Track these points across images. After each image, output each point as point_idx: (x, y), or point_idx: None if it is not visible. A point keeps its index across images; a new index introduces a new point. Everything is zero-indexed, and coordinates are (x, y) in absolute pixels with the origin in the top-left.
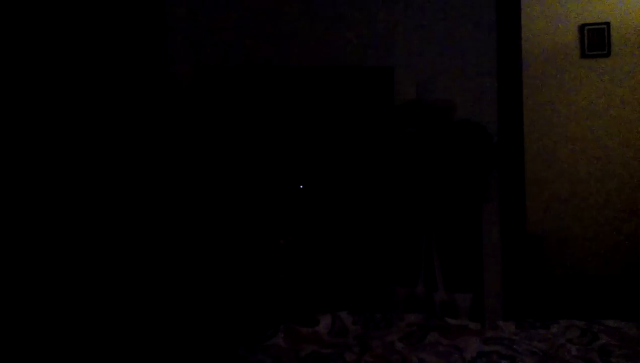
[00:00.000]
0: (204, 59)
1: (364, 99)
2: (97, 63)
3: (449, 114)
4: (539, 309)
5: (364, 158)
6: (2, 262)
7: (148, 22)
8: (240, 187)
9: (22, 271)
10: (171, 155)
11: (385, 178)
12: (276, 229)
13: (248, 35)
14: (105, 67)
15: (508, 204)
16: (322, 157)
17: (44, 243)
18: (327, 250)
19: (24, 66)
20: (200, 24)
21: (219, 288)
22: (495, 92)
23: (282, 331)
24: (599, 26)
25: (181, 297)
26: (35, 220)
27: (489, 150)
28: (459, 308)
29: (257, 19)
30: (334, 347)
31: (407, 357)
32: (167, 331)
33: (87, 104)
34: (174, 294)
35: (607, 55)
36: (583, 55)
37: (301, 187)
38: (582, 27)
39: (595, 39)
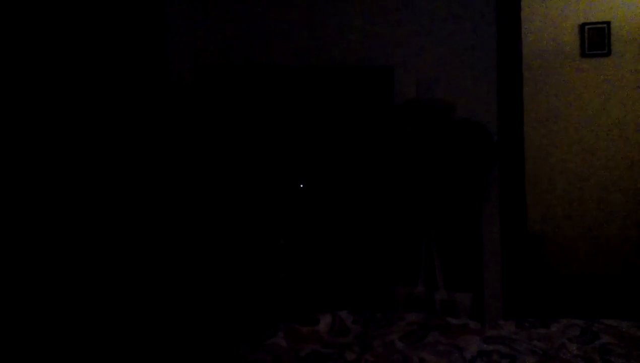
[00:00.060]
0: (204, 58)
1: (364, 99)
2: (98, 63)
3: (449, 114)
4: (539, 308)
5: (364, 157)
6: (2, 262)
7: (148, 22)
8: (241, 187)
9: (22, 271)
10: (171, 155)
11: (385, 177)
12: (276, 229)
13: (248, 35)
14: (105, 67)
15: (508, 204)
16: (322, 157)
17: (44, 243)
18: (327, 250)
19: (23, 63)
20: (200, 24)
21: (219, 287)
22: (495, 92)
23: (282, 330)
24: (599, 25)
25: (181, 297)
26: (35, 220)
27: (489, 149)
28: (459, 307)
29: (257, 19)
30: (334, 347)
31: (408, 356)
32: (168, 331)
33: (87, 104)
34: (174, 294)
35: (607, 54)
36: (583, 54)
37: (301, 186)
38: (582, 27)
39: (596, 39)
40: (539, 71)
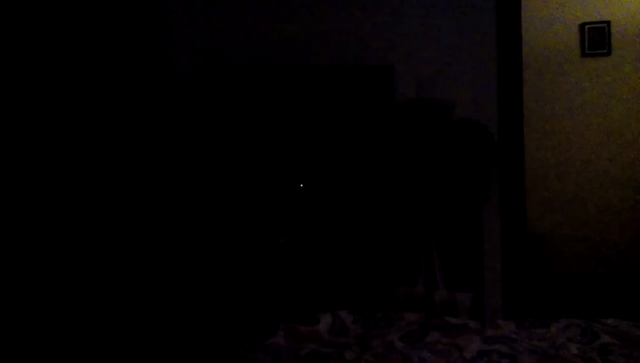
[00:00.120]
0: (203, 58)
1: (364, 98)
2: (97, 63)
3: (449, 113)
4: (539, 308)
5: (364, 157)
6: (2, 262)
7: (148, 22)
8: (241, 186)
9: (22, 271)
10: (171, 154)
11: (385, 177)
12: (277, 228)
13: (247, 35)
14: (104, 67)
15: (508, 203)
16: (323, 156)
17: (43, 243)
18: (327, 249)
19: (25, 66)
20: (200, 23)
21: (219, 287)
22: (495, 92)
23: (282, 330)
24: (600, 25)
25: (181, 296)
26: (34, 220)
27: (489, 149)
28: (459, 307)
29: (256, 18)
30: (334, 346)
31: (408, 356)
32: (168, 330)
33: (87, 104)
34: (174, 293)
35: (608, 54)
36: (583, 54)
37: (301, 186)
38: (582, 26)
39: (596, 38)
40: (539, 71)
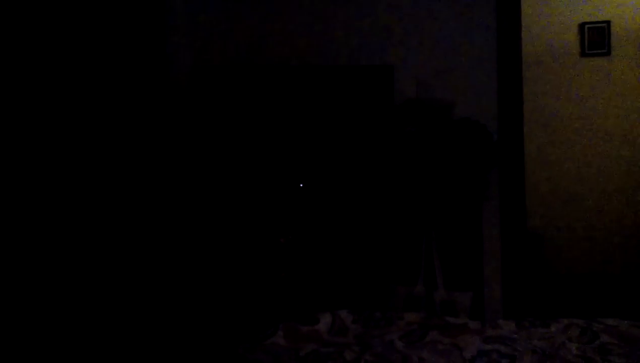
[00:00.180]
0: (203, 58)
1: (364, 98)
2: (97, 63)
3: (449, 113)
4: (539, 308)
5: (364, 157)
6: (2, 262)
7: (148, 22)
8: (241, 186)
9: (22, 271)
10: (171, 154)
11: (385, 177)
12: (276, 228)
13: (248, 35)
14: (105, 67)
15: (508, 203)
16: (322, 156)
17: (43, 242)
18: (327, 249)
19: (25, 66)
20: (200, 23)
21: (219, 287)
22: (495, 91)
23: (282, 330)
24: (599, 25)
25: (181, 296)
26: (33, 220)
27: (489, 148)
28: (459, 307)
29: (256, 18)
30: (334, 346)
31: (407, 356)
32: (168, 330)
33: (87, 104)
34: (174, 293)
35: (607, 54)
36: (583, 54)
37: (301, 185)
38: (582, 26)
39: (596, 38)
40: (539, 71)
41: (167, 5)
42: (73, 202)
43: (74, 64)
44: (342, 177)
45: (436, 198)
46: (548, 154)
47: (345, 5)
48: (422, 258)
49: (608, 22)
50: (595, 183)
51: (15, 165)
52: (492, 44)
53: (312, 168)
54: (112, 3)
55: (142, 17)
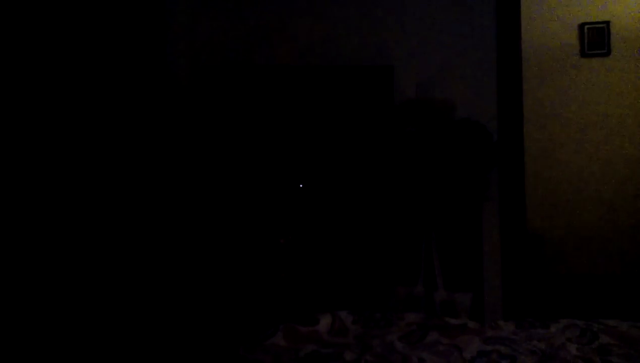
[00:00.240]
0: (203, 58)
1: (364, 98)
2: (97, 63)
3: (449, 113)
4: (539, 308)
5: (364, 157)
6: (1, 262)
7: (148, 22)
8: (240, 186)
9: (21, 271)
10: (171, 154)
11: (385, 177)
12: (276, 228)
13: (247, 35)
14: (105, 67)
15: (508, 203)
16: (322, 157)
17: (43, 243)
18: (327, 250)
19: (26, 66)
20: (200, 23)
21: (219, 287)
22: (495, 91)
23: (281, 330)
24: (599, 25)
25: (181, 297)
26: (33, 220)
27: (489, 149)
28: (459, 307)
29: (256, 18)
30: (334, 347)
31: (407, 357)
32: (168, 331)
33: (86, 104)
34: (174, 294)
35: (607, 54)
36: (583, 54)
37: (301, 186)
38: (582, 26)
39: (595, 38)
40: (539, 71)
41: (167, 5)
42: (73, 202)
43: (74, 65)
44: (342, 177)
45: (436, 198)
46: (548, 154)
47: (345, 6)
48: (422, 259)
49: (608, 23)
50: (596, 184)
51: (15, 166)
52: (492, 44)
53: (312, 168)
54: (112, 4)
55: (141, 17)
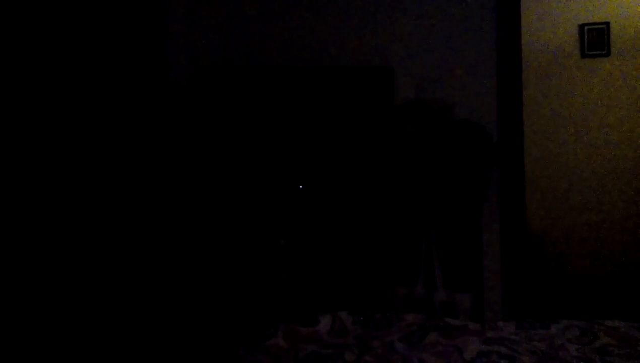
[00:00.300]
0: (202, 59)
1: (364, 99)
2: (97, 64)
3: (449, 114)
4: (539, 309)
5: (364, 158)
6: (2, 262)
7: (148, 24)
8: (240, 187)
9: (22, 271)
10: (170, 155)
11: (385, 178)
12: (276, 229)
13: (247, 36)
14: (105, 68)
15: (508, 204)
16: (322, 157)
17: (43, 243)
18: (327, 250)
19: (26, 66)
20: (200, 24)
21: (219, 288)
22: (495, 92)
23: (281, 331)
24: (599, 26)
25: (181, 297)
26: (34, 220)
27: (489, 149)
28: (459, 308)
29: (256, 19)
30: (334, 347)
31: (407, 357)
32: (168, 331)
33: (87, 105)
34: (174, 294)
35: (607, 55)
36: (583, 55)
37: (301, 187)
38: (581, 27)
39: (595, 39)
40: (539, 71)
41: (167, 7)
42: (75, 203)
43: (75, 67)
44: (342, 178)
45: (436, 199)
46: (548, 155)
47: (345, 6)
48: (422, 260)
49: (607, 23)
50: (596, 184)
51: (17, 167)
52: (492, 45)
53: (312, 169)
54: (112, 5)
55: (141, 19)
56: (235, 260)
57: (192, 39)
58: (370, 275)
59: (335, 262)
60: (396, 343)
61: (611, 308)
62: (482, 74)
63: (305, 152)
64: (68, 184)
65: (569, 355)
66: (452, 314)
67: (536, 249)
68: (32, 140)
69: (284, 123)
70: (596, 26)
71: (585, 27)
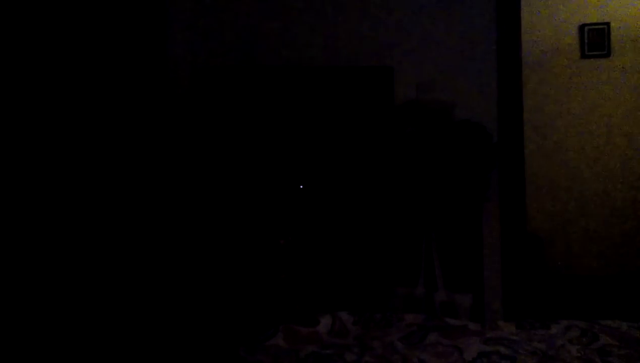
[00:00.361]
0: (203, 59)
1: (364, 99)
2: (98, 65)
3: (449, 114)
4: (539, 309)
5: (364, 158)
6: (2, 262)
7: (149, 24)
8: (241, 188)
9: (22, 271)
10: (170, 155)
11: (385, 178)
12: (276, 229)
13: (247, 36)
14: (105, 69)
15: (508, 204)
16: (322, 158)
17: (43, 243)
18: (327, 251)
19: (27, 68)
20: (201, 24)
21: (219, 288)
22: (495, 92)
23: (282, 331)
24: (599, 26)
25: (182, 297)
26: (34, 220)
27: (489, 150)
28: (459, 308)
29: (256, 19)
30: (334, 347)
31: (407, 358)
32: (168, 331)
33: (87, 105)
34: (174, 294)
35: (607, 55)
36: (583, 55)
37: (301, 187)
38: (582, 27)
39: (596, 39)
40: (539, 72)
41: (168, 6)
42: (75, 202)
43: (76, 67)
44: (342, 178)
45: (436, 199)
46: (548, 155)
47: (345, 6)
48: (422, 260)
49: (608, 24)
50: (596, 185)
51: (16, 166)
52: (492, 45)
53: (312, 169)
54: (113, 5)
55: (142, 18)
56: (235, 260)
57: (192, 39)
58: (370, 275)
59: (335, 262)
60: (396, 343)
61: (611, 308)
62: (482, 74)
63: (306, 152)
64: (68, 184)
65: (569, 355)
66: (452, 314)
67: (536, 249)
68: (32, 140)
69: (284, 123)
70: (596, 26)
71: (586, 28)
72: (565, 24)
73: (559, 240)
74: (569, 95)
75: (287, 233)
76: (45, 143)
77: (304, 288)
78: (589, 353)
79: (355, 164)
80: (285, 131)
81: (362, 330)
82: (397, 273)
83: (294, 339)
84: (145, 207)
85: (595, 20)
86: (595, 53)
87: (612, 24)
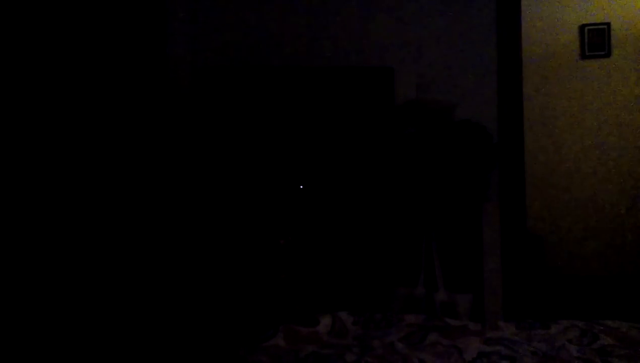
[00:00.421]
0: (204, 60)
1: (364, 99)
2: (98, 65)
3: (449, 114)
4: (539, 309)
5: (364, 158)
6: (1, 262)
7: (148, 24)
8: (241, 188)
9: (21, 271)
10: (170, 156)
11: (385, 178)
12: (276, 229)
13: (247, 37)
14: (105, 69)
15: (508, 204)
16: (322, 158)
17: (43, 243)
18: (327, 251)
19: (26, 67)
20: (201, 25)
21: (219, 288)
22: (495, 92)
23: (282, 331)
24: (599, 26)
25: (181, 298)
26: (34, 220)
27: (489, 150)
28: (459, 308)
29: (256, 20)
30: (334, 348)
31: (408, 358)
32: (168, 331)
33: (87, 106)
34: (174, 294)
35: (607, 55)
36: (583, 55)
37: (301, 187)
38: (582, 28)
39: (596, 40)
40: (539, 72)
41: (167, 6)
42: (75, 203)
43: (75, 67)
44: (343, 178)
45: (436, 199)
46: (548, 156)
47: (345, 7)
48: (422, 260)
49: (608, 24)
50: (596, 184)
51: (15, 167)
52: (493, 45)
53: (312, 169)
54: (113, 5)
55: (142, 18)
56: (235, 260)
57: (193, 39)
58: (370, 275)
59: (335, 262)
60: (397, 343)
61: (611, 309)
62: (482, 74)
63: (306, 152)
64: (68, 184)
65: (569, 355)
66: (453, 314)
67: (536, 249)
68: (32, 140)
69: (285, 123)
70: (597, 27)
71: (586, 28)
72: (566, 24)
73: (559, 240)
74: (569, 95)
75: (287, 233)
76: (45, 143)
77: (304, 288)
78: (589, 354)
79: (355, 164)
80: (285, 131)
81: (362, 330)
82: (397, 274)
83: (294, 339)
84: (146, 207)
85: (595, 21)
86: (595, 53)
87: (613, 24)
